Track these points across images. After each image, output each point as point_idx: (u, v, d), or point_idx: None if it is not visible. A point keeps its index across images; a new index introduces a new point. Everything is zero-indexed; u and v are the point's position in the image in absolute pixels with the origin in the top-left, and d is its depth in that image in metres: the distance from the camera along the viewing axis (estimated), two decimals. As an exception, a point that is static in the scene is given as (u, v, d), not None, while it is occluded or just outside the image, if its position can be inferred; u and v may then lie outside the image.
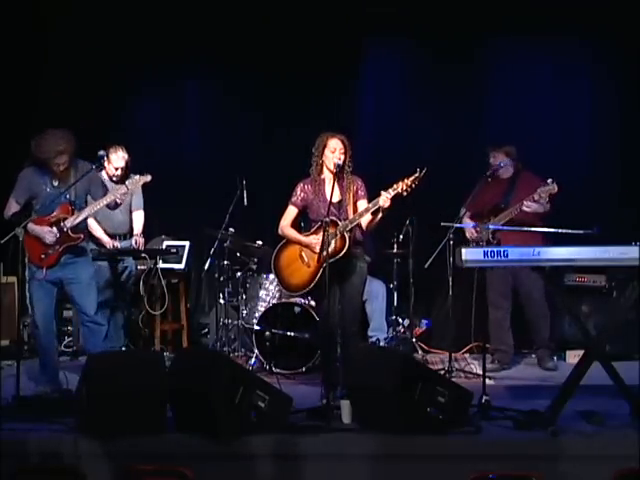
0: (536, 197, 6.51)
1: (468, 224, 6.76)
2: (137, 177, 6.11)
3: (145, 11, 7.74)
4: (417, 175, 5.39)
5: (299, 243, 5.73)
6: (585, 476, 4.50)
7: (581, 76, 7.92)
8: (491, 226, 6.72)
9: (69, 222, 5.83)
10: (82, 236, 5.92)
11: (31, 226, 5.75)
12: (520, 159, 6.88)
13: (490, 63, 8.01)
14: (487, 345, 6.57)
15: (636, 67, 7.50)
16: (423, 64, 7.98)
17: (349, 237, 5.52)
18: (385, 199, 5.38)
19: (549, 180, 6.48)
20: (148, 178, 6.06)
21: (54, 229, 5.78)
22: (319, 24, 7.75)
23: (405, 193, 5.40)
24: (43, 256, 5.81)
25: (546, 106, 7.92)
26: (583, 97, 7.90)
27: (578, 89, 7.92)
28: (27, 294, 5.92)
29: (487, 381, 5.47)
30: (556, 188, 6.48)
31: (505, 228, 6.65)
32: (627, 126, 7.72)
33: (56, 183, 5.82)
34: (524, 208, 6.55)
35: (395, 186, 5.39)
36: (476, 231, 6.69)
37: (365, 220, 5.57)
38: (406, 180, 5.39)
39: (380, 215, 5.53)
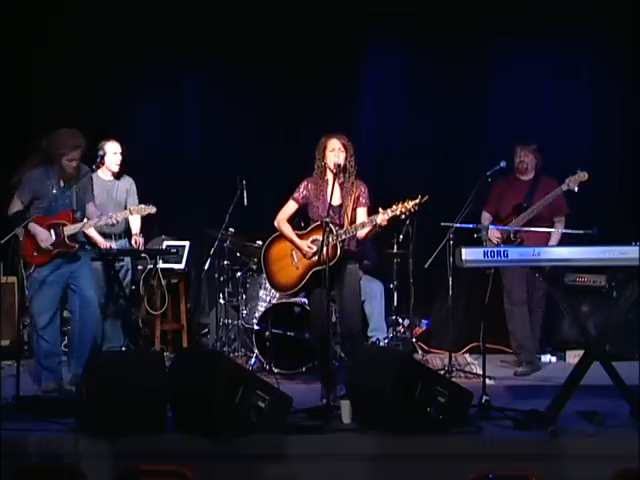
0: (564, 187, 6.51)
1: (468, 225, 6.76)
2: (142, 206, 6.34)
3: (146, 11, 7.73)
4: (418, 201, 5.39)
5: (292, 242, 5.73)
6: (585, 476, 4.50)
7: (581, 76, 7.92)
8: (491, 226, 6.75)
9: (68, 230, 5.88)
10: (77, 246, 5.97)
11: (32, 225, 5.78)
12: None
13: (491, 64, 8.01)
14: (492, 346, 6.61)
15: (636, 67, 7.49)
16: (424, 65, 7.98)
17: (341, 247, 5.51)
18: (383, 219, 5.40)
19: (579, 170, 6.51)
20: (153, 210, 6.30)
21: (52, 232, 5.82)
22: (320, 24, 7.74)
23: (403, 216, 5.42)
24: (35, 253, 5.84)
25: (546, 106, 7.92)
26: (583, 97, 7.90)
27: (578, 89, 7.92)
28: (26, 292, 5.94)
29: (487, 381, 5.47)
30: (586, 176, 6.49)
31: (506, 228, 6.66)
32: (627, 126, 7.72)
33: (62, 184, 5.85)
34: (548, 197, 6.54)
35: (394, 207, 5.40)
36: (500, 233, 6.69)
37: (363, 231, 5.57)
38: (406, 204, 5.39)
39: (376, 230, 5.56)
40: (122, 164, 6.95)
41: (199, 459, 4.59)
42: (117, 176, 6.96)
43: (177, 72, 8.22)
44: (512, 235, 6.59)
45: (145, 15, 7.75)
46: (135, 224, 6.93)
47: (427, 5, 7.63)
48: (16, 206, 5.89)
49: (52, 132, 5.89)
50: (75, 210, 5.95)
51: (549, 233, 6.60)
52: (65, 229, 5.87)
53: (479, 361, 6.77)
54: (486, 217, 6.89)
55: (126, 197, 6.98)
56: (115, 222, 6.19)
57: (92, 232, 6.71)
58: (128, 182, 7.04)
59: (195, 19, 7.83)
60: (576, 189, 6.52)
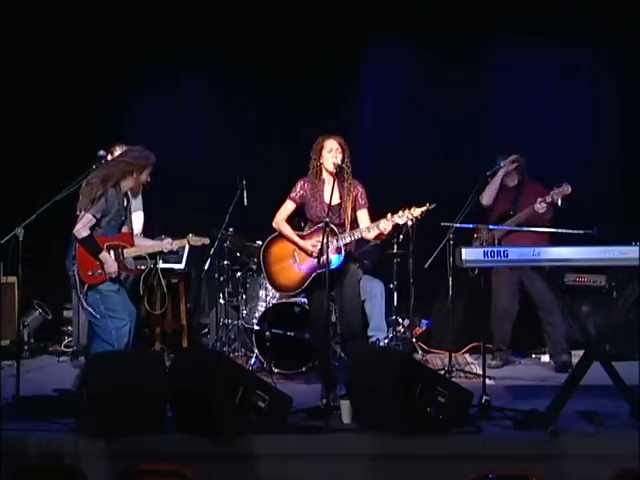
0: (548, 199, 6.56)
1: (468, 224, 6.78)
2: (196, 237, 6.08)
3: (146, 11, 7.73)
4: (426, 208, 5.39)
5: (294, 243, 5.71)
6: (585, 476, 4.51)
7: (581, 75, 7.92)
8: (491, 226, 6.77)
9: (127, 252, 5.72)
10: (133, 269, 5.84)
11: (104, 254, 5.57)
12: (528, 169, 6.98)
13: (491, 62, 8.00)
14: (488, 345, 6.63)
15: (636, 66, 7.49)
16: (424, 64, 7.97)
17: (345, 249, 5.51)
18: (385, 224, 5.40)
19: (564, 184, 6.54)
20: (207, 241, 6.16)
21: (111, 254, 5.62)
22: (320, 24, 7.73)
23: (410, 222, 5.42)
24: (90, 273, 5.58)
25: (546, 106, 7.92)
26: (583, 97, 7.90)
27: (578, 88, 7.92)
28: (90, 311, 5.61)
29: (487, 381, 5.47)
30: (570, 189, 6.54)
31: (504, 228, 6.69)
32: (627, 126, 7.72)
33: (125, 203, 5.76)
34: (536, 207, 6.59)
35: (401, 214, 5.40)
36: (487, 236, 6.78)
37: (370, 234, 5.55)
38: (413, 211, 5.39)
39: (383, 237, 5.57)
40: None
41: (199, 459, 4.59)
42: None
43: (177, 72, 8.21)
44: (496, 241, 6.70)
45: (145, 15, 7.75)
46: (137, 225, 6.91)
47: (427, 4, 7.63)
48: (91, 222, 5.55)
49: (127, 148, 5.81)
50: (132, 232, 5.83)
51: (537, 237, 6.63)
52: (125, 251, 5.70)
53: (479, 361, 6.77)
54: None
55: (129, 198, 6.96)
56: (173, 249, 6.04)
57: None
58: None
59: (195, 19, 7.83)
60: (559, 202, 6.57)
